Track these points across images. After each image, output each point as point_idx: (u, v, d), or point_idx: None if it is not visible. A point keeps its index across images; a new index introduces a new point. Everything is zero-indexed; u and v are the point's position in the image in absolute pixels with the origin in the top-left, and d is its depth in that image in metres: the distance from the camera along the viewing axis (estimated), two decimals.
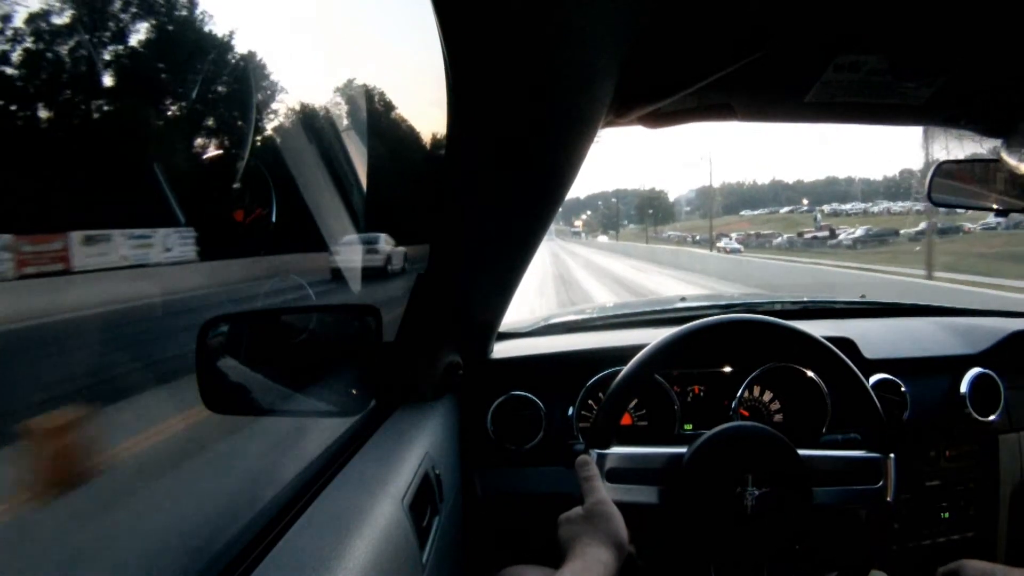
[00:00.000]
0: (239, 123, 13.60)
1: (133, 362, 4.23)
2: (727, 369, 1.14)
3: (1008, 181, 0.97)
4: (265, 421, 2.69)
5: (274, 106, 16.01)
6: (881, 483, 0.81)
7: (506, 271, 0.91)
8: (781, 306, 1.48)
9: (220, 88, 14.19)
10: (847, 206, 60.45)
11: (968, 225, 27.95)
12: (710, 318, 0.87)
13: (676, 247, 35.91)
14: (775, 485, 0.77)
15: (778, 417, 1.14)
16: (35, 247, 8.42)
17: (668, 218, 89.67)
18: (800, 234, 39.81)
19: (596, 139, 0.71)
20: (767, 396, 1.15)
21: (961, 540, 1.17)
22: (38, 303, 6.39)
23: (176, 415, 2.97)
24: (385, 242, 11.00)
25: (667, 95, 0.70)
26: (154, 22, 13.23)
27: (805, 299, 1.53)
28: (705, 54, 0.64)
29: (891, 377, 1.16)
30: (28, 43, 11.19)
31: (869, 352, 1.17)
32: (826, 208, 64.64)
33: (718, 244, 36.27)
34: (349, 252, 7.40)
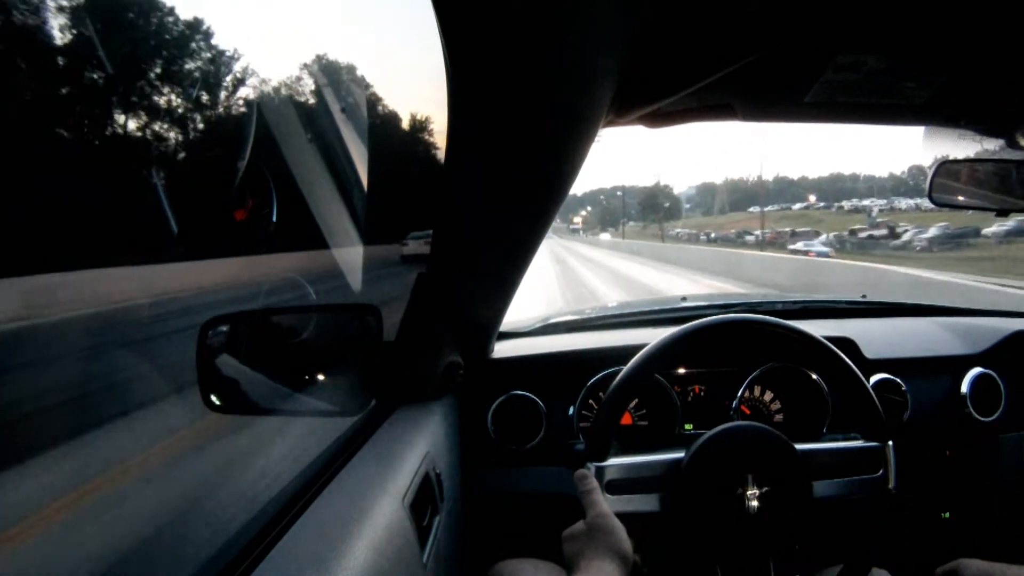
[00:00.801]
0: (239, 123, 13.59)
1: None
2: (728, 369, 1.14)
3: (1009, 181, 0.97)
4: (265, 421, 2.69)
5: (274, 106, 16.00)
6: (881, 471, 0.81)
7: (507, 271, 0.91)
8: (782, 306, 1.48)
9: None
10: (902, 204, 51.38)
11: None
12: (710, 318, 0.87)
13: (717, 247, 32.38)
14: (775, 484, 0.77)
15: (778, 417, 1.14)
16: None
17: (675, 215, 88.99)
18: (852, 232, 33.94)
19: (596, 139, 0.71)
20: (768, 396, 1.15)
21: (961, 540, 1.17)
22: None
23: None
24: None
25: (667, 95, 0.70)
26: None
27: (805, 299, 1.53)
28: (705, 54, 0.64)
29: (892, 377, 1.16)
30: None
31: (870, 352, 1.17)
32: (868, 203, 56.87)
33: (790, 246, 29.35)
34: (415, 244, 12.23)
